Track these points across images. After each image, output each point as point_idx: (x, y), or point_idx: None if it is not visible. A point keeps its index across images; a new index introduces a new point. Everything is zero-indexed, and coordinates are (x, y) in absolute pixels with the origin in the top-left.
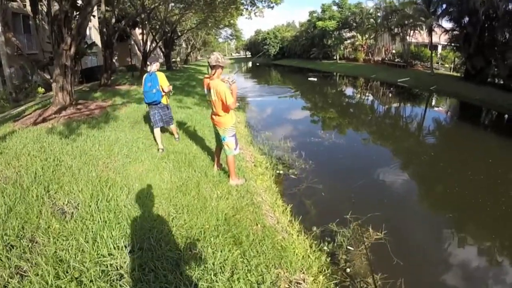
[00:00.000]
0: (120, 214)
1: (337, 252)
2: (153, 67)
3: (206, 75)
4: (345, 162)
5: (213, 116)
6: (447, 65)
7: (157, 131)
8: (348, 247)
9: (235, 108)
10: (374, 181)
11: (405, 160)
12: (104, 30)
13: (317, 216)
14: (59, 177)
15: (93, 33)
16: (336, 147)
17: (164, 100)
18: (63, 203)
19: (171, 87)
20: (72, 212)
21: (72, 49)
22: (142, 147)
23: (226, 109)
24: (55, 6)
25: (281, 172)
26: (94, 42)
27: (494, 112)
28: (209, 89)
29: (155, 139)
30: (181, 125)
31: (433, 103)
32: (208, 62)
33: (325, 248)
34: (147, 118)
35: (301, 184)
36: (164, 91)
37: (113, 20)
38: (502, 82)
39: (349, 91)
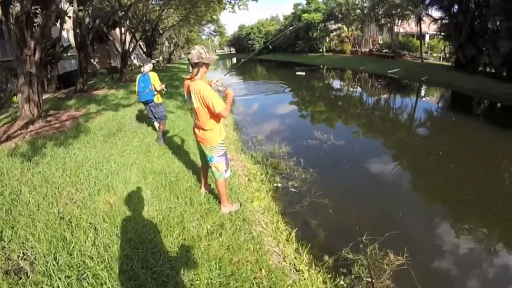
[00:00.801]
0: (83, 272)
1: (356, 286)
2: (146, 68)
3: (188, 76)
4: (349, 168)
5: (196, 130)
6: (435, 55)
7: (156, 124)
8: (368, 278)
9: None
10: (385, 191)
11: (416, 163)
12: (78, 31)
13: (327, 240)
14: (15, 218)
15: (70, 35)
16: (336, 150)
17: (156, 99)
18: (18, 256)
19: (163, 86)
20: (27, 272)
21: (37, 54)
22: (114, 168)
23: (214, 119)
24: (17, 7)
25: (279, 185)
26: (70, 44)
27: (490, 102)
28: (189, 93)
29: (156, 130)
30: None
31: (429, 94)
32: (189, 60)
33: (342, 282)
34: (121, 128)
35: (304, 200)
36: (156, 90)
37: (87, 20)
38: (493, 70)
39: (340, 85)
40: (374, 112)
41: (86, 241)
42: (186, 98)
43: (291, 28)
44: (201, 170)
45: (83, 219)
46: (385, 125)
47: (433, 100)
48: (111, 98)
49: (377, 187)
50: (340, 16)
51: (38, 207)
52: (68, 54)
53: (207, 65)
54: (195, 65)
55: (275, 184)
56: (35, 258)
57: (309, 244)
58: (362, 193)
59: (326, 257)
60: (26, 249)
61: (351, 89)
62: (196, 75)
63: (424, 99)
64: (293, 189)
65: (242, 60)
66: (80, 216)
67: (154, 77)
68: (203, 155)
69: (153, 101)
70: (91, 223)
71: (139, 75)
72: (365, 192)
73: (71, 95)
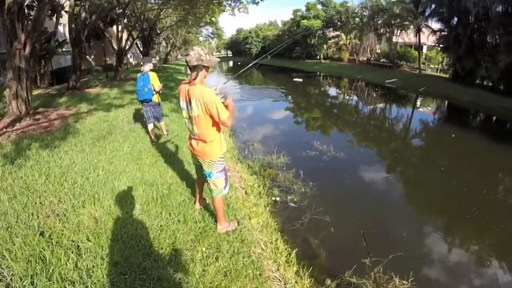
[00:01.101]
0: None
1: None
2: (146, 67)
3: (184, 81)
4: (351, 183)
5: (194, 143)
6: (432, 66)
7: (150, 126)
8: None
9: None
10: (388, 209)
11: (419, 178)
12: (73, 26)
13: (328, 261)
14: None
15: (67, 30)
16: (337, 162)
17: (155, 98)
18: None
19: (161, 86)
20: None
21: (27, 48)
22: (102, 176)
23: (216, 128)
24: None
25: (278, 199)
26: (66, 39)
27: (488, 115)
28: (189, 100)
29: (148, 134)
30: (157, 138)
31: (428, 106)
32: (187, 62)
33: None
34: (112, 131)
35: (304, 216)
36: (155, 90)
37: (83, 15)
38: (491, 84)
39: (338, 93)
40: (374, 122)
41: (68, 263)
42: (181, 106)
43: (289, 40)
44: (196, 183)
45: (65, 236)
46: (385, 137)
47: (432, 112)
48: (104, 97)
49: (379, 204)
50: (339, 24)
51: (17, 219)
52: (64, 50)
53: (207, 68)
54: (193, 68)
55: (273, 198)
56: (11, 280)
57: (311, 267)
58: (364, 210)
59: (329, 281)
60: (2, 268)
61: (349, 98)
62: (195, 79)
63: (423, 110)
64: (292, 204)
65: (243, 68)
66: (62, 232)
67: (153, 77)
68: (199, 169)
69: (151, 100)
70: (73, 241)
71: (139, 74)
72: (368, 210)
73: (63, 92)
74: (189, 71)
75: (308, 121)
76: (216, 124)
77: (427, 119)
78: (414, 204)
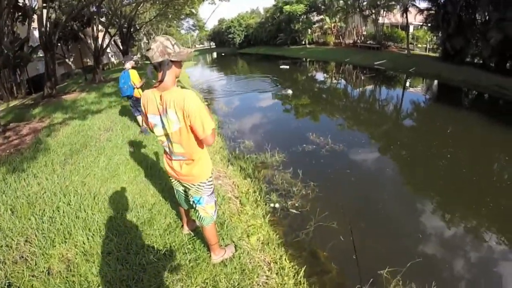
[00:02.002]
0: None
1: None
2: (127, 65)
3: (155, 84)
4: (356, 180)
5: (175, 165)
6: (420, 45)
7: (139, 118)
8: None
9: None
10: (399, 208)
11: (430, 168)
12: (43, 29)
13: (341, 276)
14: None
15: None
16: (337, 156)
17: (136, 94)
18: None
19: (143, 81)
20: None
21: None
22: (73, 203)
23: (200, 145)
24: None
25: (277, 205)
26: (39, 45)
27: (482, 93)
28: (164, 111)
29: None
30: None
31: (422, 87)
32: (149, 59)
33: None
34: (87, 143)
35: (308, 224)
36: (136, 86)
37: (54, 16)
38: (481, 61)
39: (328, 78)
40: (369, 108)
41: None
42: (152, 121)
43: None
44: (179, 210)
45: None
46: (383, 122)
47: (427, 93)
48: (80, 103)
49: (389, 203)
50: (323, 7)
51: None
52: (40, 55)
53: (178, 63)
54: (159, 65)
55: (272, 205)
56: None
57: (323, 286)
58: (374, 213)
59: None
60: None
61: (339, 82)
62: (162, 80)
63: (417, 91)
64: (293, 210)
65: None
66: (31, 284)
67: (133, 75)
68: (184, 196)
69: (133, 95)
70: None
71: (122, 72)
72: (377, 211)
73: (38, 101)
74: (150, 73)
75: (299, 111)
76: (199, 141)
77: (424, 101)
78: (428, 201)
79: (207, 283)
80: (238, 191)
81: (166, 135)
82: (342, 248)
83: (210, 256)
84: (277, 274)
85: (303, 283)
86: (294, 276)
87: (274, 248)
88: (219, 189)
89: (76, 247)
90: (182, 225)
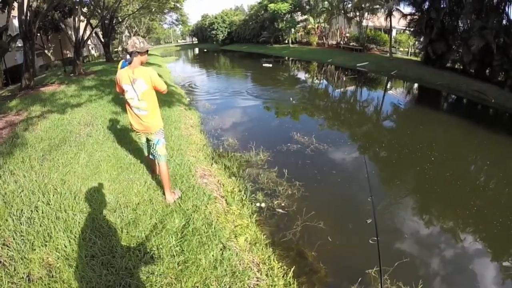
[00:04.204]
0: None
1: None
2: (128, 55)
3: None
4: (341, 180)
5: (142, 121)
6: (402, 49)
7: None
8: None
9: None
10: (385, 207)
11: (411, 168)
12: (23, 17)
13: (330, 276)
14: None
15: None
16: (322, 156)
17: None
18: None
19: None
20: None
21: None
22: (53, 203)
23: (156, 102)
24: None
25: (263, 205)
26: (19, 34)
27: (462, 98)
28: (133, 80)
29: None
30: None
31: (403, 89)
32: (125, 49)
33: None
34: (67, 138)
35: (295, 224)
36: None
37: (34, 4)
38: (462, 67)
39: (310, 78)
40: (353, 109)
41: None
42: (124, 88)
43: None
44: (149, 160)
45: None
46: (367, 124)
47: (408, 95)
48: (60, 96)
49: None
50: (307, 7)
51: None
52: (18, 45)
53: (142, 53)
54: (131, 54)
55: (257, 204)
56: None
57: (312, 286)
58: (361, 212)
59: None
60: None
61: (322, 83)
62: (131, 62)
63: (398, 94)
64: (280, 210)
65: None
66: None
67: None
68: (148, 146)
69: None
70: None
71: (122, 60)
72: (364, 211)
73: (16, 93)
74: (128, 57)
75: (284, 111)
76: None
77: (406, 103)
78: (413, 198)
79: (198, 287)
80: (224, 190)
81: (136, 96)
82: (329, 248)
83: (165, 198)
84: (266, 275)
85: (293, 284)
86: (283, 276)
87: (262, 249)
88: (205, 188)
89: (57, 251)
90: (154, 170)
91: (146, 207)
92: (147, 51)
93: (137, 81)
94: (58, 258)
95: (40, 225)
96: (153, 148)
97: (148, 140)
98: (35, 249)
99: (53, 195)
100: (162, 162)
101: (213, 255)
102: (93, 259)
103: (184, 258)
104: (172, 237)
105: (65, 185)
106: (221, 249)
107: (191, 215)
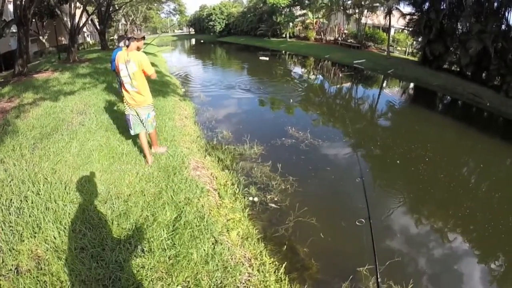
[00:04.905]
0: None
1: None
2: (121, 43)
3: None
4: (336, 178)
5: (134, 97)
6: (399, 48)
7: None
8: None
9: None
10: (381, 205)
11: (406, 166)
12: (18, 2)
13: (321, 273)
14: None
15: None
16: (316, 152)
17: None
18: None
19: None
20: None
21: None
22: (43, 193)
23: (146, 82)
24: None
25: (256, 199)
26: (13, 19)
27: (460, 100)
28: (128, 61)
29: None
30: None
31: (400, 88)
32: (125, 35)
33: None
34: (59, 126)
35: (288, 219)
36: None
37: None
38: (458, 69)
39: (307, 73)
40: (349, 105)
41: None
42: (120, 67)
43: None
44: (140, 140)
45: None
46: (363, 122)
47: (407, 95)
48: (53, 83)
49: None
50: (307, 2)
51: None
52: (13, 31)
53: (138, 39)
54: (128, 39)
55: (250, 198)
56: None
57: (303, 282)
58: (354, 210)
59: None
60: None
61: (319, 78)
62: (128, 46)
63: (396, 92)
64: (272, 205)
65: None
66: None
67: None
68: (138, 122)
69: None
70: None
71: (116, 48)
72: (358, 209)
73: (8, 79)
74: (127, 42)
75: (279, 105)
76: (145, 78)
77: (402, 102)
78: (406, 197)
79: (189, 281)
80: (217, 183)
81: (128, 75)
82: (321, 244)
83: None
84: (258, 270)
85: (284, 280)
86: (274, 272)
87: (254, 244)
88: (197, 181)
89: (47, 242)
90: (147, 160)
91: (137, 198)
92: (144, 38)
93: (130, 62)
94: (47, 250)
95: (30, 216)
96: (144, 121)
97: (137, 114)
98: (23, 241)
99: (43, 185)
100: (151, 131)
101: (204, 250)
102: (83, 252)
103: (175, 252)
104: (163, 230)
105: (55, 175)
106: (213, 244)
107: (183, 207)
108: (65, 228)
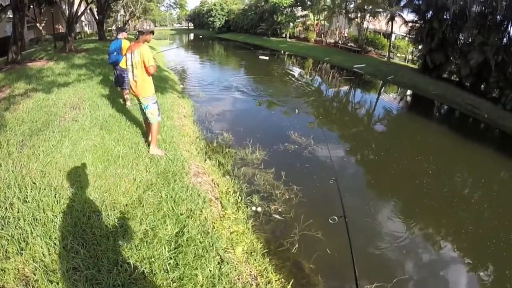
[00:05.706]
0: None
1: None
2: (119, 35)
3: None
4: (342, 189)
5: (134, 85)
6: (399, 55)
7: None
8: None
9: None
10: (387, 220)
11: (414, 178)
12: None
13: None
14: None
15: None
16: (321, 159)
17: (123, 64)
18: None
19: None
20: None
21: None
22: (30, 201)
23: (147, 73)
24: None
25: (259, 209)
26: (10, 4)
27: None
28: (133, 52)
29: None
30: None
31: (400, 95)
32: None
33: None
34: (50, 121)
35: (292, 232)
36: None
37: None
38: (458, 79)
39: (308, 74)
40: (352, 111)
41: None
42: (127, 56)
43: None
44: (145, 125)
45: None
46: (367, 131)
47: (406, 102)
48: (47, 73)
49: (376, 215)
50: (309, 3)
51: None
52: (9, 16)
53: (146, 34)
54: (138, 33)
55: (253, 208)
56: None
57: None
58: (361, 224)
59: None
60: None
61: (317, 80)
62: (137, 38)
63: (395, 99)
64: (276, 216)
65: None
66: None
67: (125, 44)
68: (141, 109)
69: (119, 64)
70: None
71: (115, 40)
72: (364, 223)
73: (1, 67)
74: (137, 34)
75: (280, 108)
76: (146, 70)
77: (401, 109)
78: (415, 212)
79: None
80: (218, 190)
81: (132, 64)
82: (327, 260)
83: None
84: None
85: None
86: None
87: (259, 259)
88: (199, 189)
89: (35, 261)
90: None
91: (135, 210)
92: (152, 32)
93: (135, 52)
94: (36, 270)
95: (16, 228)
96: (144, 111)
97: (140, 102)
98: (9, 258)
99: (31, 190)
100: (153, 122)
101: (210, 270)
102: (76, 273)
103: (179, 274)
104: (165, 247)
105: (45, 179)
106: (218, 263)
107: (185, 220)
108: (55, 244)
